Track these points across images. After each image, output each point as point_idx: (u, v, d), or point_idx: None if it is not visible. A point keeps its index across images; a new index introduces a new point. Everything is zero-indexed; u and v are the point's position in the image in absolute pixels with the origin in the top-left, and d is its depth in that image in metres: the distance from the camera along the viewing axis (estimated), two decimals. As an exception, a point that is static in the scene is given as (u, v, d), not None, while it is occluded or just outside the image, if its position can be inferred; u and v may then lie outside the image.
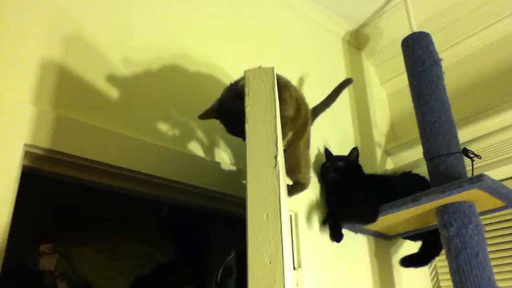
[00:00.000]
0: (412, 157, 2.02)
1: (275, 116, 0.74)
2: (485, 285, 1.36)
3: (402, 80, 1.98)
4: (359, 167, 1.74)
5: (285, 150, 1.33)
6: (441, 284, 1.99)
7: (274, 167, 0.70)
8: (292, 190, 1.47)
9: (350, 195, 1.64)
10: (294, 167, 1.43)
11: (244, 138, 1.10)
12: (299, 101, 1.39)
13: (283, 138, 1.25)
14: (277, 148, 0.71)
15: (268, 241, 0.66)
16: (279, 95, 1.25)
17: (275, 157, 0.71)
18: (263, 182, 0.69)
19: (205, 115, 1.27)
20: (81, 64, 1.26)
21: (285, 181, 0.90)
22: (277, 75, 1.30)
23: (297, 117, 1.35)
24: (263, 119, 0.74)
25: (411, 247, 1.87)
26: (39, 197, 1.77)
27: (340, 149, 1.83)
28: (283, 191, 0.77)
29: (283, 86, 1.32)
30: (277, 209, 0.67)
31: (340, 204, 1.68)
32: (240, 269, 1.27)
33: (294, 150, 1.42)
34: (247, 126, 0.74)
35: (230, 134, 1.26)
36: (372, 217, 1.59)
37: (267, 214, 0.67)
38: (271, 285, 0.63)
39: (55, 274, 1.79)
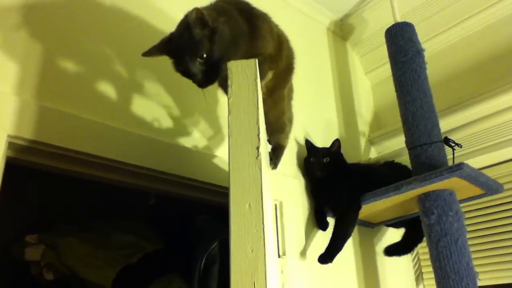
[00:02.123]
0: (395, 146, 2.05)
1: (258, 107, 0.75)
2: (464, 271, 1.39)
3: (386, 70, 2.00)
4: (341, 157, 1.76)
5: (264, 100, 1.19)
6: (423, 270, 2.03)
7: (257, 157, 0.72)
8: (273, 156, 1.32)
9: (335, 190, 1.67)
10: (276, 125, 1.30)
11: (192, 78, 1.04)
12: (282, 40, 1.27)
13: (262, 78, 1.09)
14: (259, 139, 0.72)
15: (250, 230, 0.67)
16: (254, 28, 1.11)
17: (257, 148, 0.72)
18: (245, 172, 0.71)
19: (151, 52, 1.08)
20: (64, 55, 1.25)
21: (268, 171, 0.92)
22: (251, 6, 1.18)
23: (277, 56, 1.22)
24: (245, 110, 0.75)
25: (394, 234, 1.91)
26: (27, 189, 1.76)
27: (324, 139, 1.85)
28: (266, 181, 0.79)
29: (259, 17, 1.17)
30: (259, 199, 0.69)
31: (325, 197, 1.71)
32: (223, 257, 1.29)
33: (276, 104, 1.29)
34: (230, 117, 0.75)
35: (180, 73, 1.09)
36: (355, 215, 1.63)
37: (250, 204, 0.69)
38: (253, 272, 0.65)
39: (41, 264, 1.80)
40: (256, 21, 1.13)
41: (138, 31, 1.46)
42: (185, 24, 1.01)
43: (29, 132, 1.09)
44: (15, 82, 1.13)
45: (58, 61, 1.24)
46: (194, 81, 1.04)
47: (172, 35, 1.05)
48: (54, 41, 1.25)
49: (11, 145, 1.08)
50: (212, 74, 1.03)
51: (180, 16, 1.13)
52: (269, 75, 1.18)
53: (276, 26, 1.26)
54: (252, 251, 0.66)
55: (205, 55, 0.99)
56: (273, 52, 1.17)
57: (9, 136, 1.06)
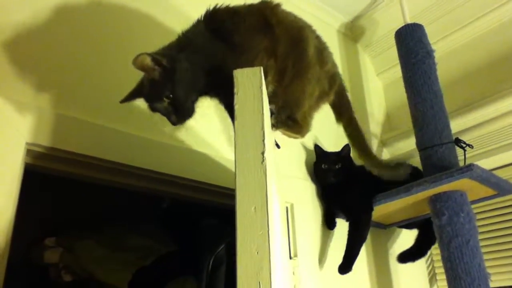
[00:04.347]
0: (408, 147, 2.05)
1: (263, 114, 0.77)
2: (475, 272, 1.39)
3: (398, 70, 1.99)
4: (351, 161, 1.76)
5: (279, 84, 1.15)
6: (437, 271, 2.03)
7: (262, 162, 0.74)
8: (287, 126, 1.22)
9: (347, 195, 1.68)
10: (293, 101, 1.20)
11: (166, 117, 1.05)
12: (269, 18, 1.18)
13: (265, 73, 0.98)
14: (264, 144, 0.75)
15: (255, 232, 0.70)
16: (232, 41, 1.09)
17: (262, 153, 0.74)
18: (251, 177, 0.73)
19: (127, 97, 1.11)
20: (79, 64, 1.30)
21: (274, 174, 0.94)
22: (222, 21, 1.13)
23: (273, 40, 1.15)
24: (251, 116, 0.78)
25: (407, 235, 1.91)
26: (45, 194, 1.82)
27: (336, 141, 1.85)
28: (272, 184, 0.81)
29: (231, 27, 1.11)
30: (264, 203, 0.71)
31: (337, 202, 1.73)
32: (229, 258, 1.32)
33: (297, 83, 1.20)
34: (236, 124, 0.78)
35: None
36: (368, 217, 1.64)
37: (255, 207, 0.71)
38: (258, 273, 0.67)
39: (59, 266, 1.85)
40: (229, 33, 1.12)
41: (154, 37, 1.48)
42: None
43: (47, 139, 1.14)
44: (32, 92, 1.17)
45: (74, 70, 1.28)
46: (168, 120, 1.06)
47: (143, 79, 1.08)
48: (70, 50, 1.29)
49: (29, 152, 1.13)
50: (183, 112, 1.05)
51: (195, 16, 1.16)
52: (270, 63, 1.14)
53: (263, 9, 1.19)
54: (257, 252, 0.68)
55: (171, 95, 1.02)
56: (266, 41, 1.14)
57: (27, 143, 1.10)
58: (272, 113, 1.09)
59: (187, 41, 1.10)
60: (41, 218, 1.92)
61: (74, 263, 1.80)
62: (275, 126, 1.13)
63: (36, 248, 1.87)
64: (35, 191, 1.44)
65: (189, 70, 1.04)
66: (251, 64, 0.97)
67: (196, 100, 1.09)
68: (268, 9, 1.20)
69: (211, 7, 1.16)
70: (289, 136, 1.28)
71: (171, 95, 1.02)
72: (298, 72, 1.21)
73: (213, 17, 1.15)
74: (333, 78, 1.43)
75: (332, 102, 1.48)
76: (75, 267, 1.80)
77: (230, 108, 1.10)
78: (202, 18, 1.15)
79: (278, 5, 1.23)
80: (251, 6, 1.19)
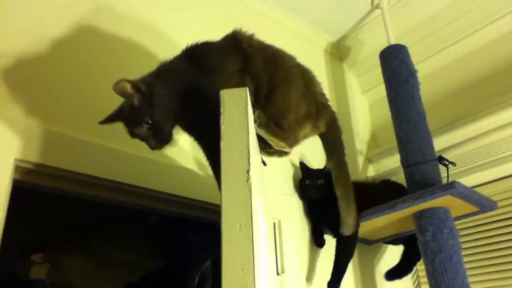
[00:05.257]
0: (392, 164, 2.08)
1: (248, 133, 0.80)
2: (459, 287, 1.42)
3: (383, 89, 2.04)
4: None
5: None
6: (422, 287, 2.05)
7: (247, 181, 0.76)
8: (270, 129, 1.19)
9: (332, 211, 1.69)
10: (278, 111, 1.21)
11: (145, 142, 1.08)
12: (240, 42, 1.23)
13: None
14: (249, 163, 0.77)
15: (240, 249, 0.71)
16: (205, 65, 1.13)
17: (248, 171, 0.77)
18: (236, 194, 0.75)
19: (106, 120, 1.12)
20: (68, 81, 1.32)
21: (260, 192, 0.96)
22: (195, 48, 1.19)
23: (245, 60, 1.20)
24: (236, 136, 0.80)
25: (392, 251, 1.93)
26: (31, 208, 1.81)
27: (322, 159, 1.88)
28: (257, 202, 0.83)
29: (204, 53, 1.17)
30: (249, 220, 0.73)
31: (323, 218, 1.75)
32: (215, 275, 1.32)
33: (279, 93, 1.22)
34: (222, 143, 0.80)
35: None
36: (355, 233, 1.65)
37: (240, 225, 0.73)
38: (243, 290, 0.69)
39: (46, 283, 1.84)
40: (201, 56, 1.17)
41: (138, 60, 1.51)
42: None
43: (36, 156, 1.15)
44: (21, 108, 1.19)
45: (62, 87, 1.30)
46: (147, 145, 1.09)
47: (122, 104, 1.10)
48: (59, 68, 1.31)
49: (18, 168, 1.14)
50: (162, 137, 1.08)
51: (181, 42, 1.20)
52: (247, 82, 1.18)
53: (234, 35, 1.25)
54: (242, 269, 0.70)
55: (149, 121, 1.04)
56: (239, 61, 1.19)
57: (16, 159, 1.11)
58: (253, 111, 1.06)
59: (163, 68, 1.15)
60: (26, 233, 1.91)
61: (61, 279, 1.79)
62: (256, 122, 1.11)
63: (21, 263, 1.86)
64: (21, 205, 1.44)
65: (166, 96, 1.07)
66: (225, 84, 1.03)
67: (173, 125, 1.11)
68: (239, 34, 1.25)
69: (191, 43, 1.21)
70: (276, 146, 1.25)
71: (150, 121, 1.04)
72: (278, 83, 1.23)
73: (190, 47, 1.20)
74: (323, 106, 1.42)
75: (322, 136, 1.46)
76: (62, 284, 1.79)
77: (197, 131, 1.15)
78: (181, 51, 1.20)
79: (251, 34, 1.28)
80: (224, 36, 1.25)
